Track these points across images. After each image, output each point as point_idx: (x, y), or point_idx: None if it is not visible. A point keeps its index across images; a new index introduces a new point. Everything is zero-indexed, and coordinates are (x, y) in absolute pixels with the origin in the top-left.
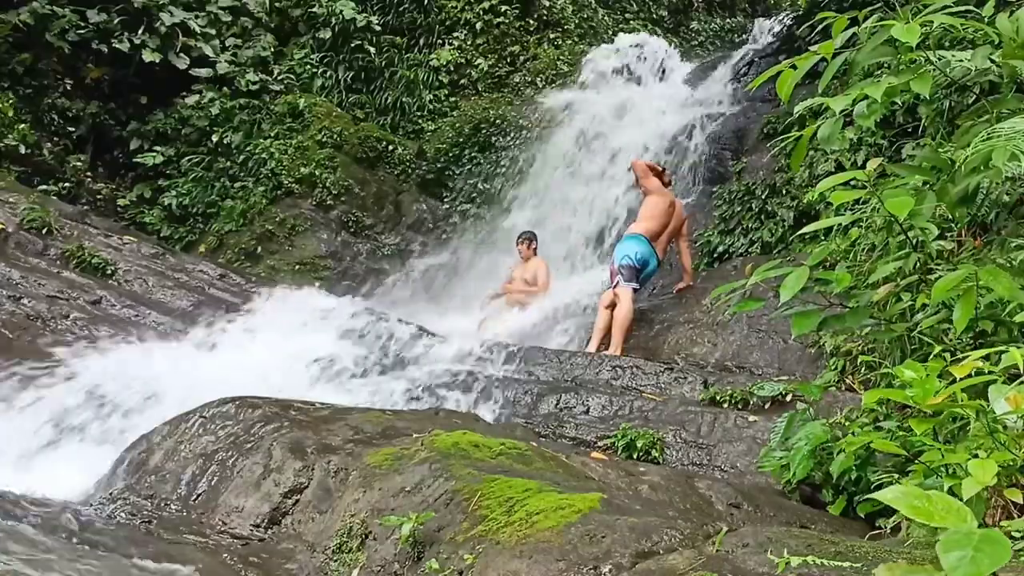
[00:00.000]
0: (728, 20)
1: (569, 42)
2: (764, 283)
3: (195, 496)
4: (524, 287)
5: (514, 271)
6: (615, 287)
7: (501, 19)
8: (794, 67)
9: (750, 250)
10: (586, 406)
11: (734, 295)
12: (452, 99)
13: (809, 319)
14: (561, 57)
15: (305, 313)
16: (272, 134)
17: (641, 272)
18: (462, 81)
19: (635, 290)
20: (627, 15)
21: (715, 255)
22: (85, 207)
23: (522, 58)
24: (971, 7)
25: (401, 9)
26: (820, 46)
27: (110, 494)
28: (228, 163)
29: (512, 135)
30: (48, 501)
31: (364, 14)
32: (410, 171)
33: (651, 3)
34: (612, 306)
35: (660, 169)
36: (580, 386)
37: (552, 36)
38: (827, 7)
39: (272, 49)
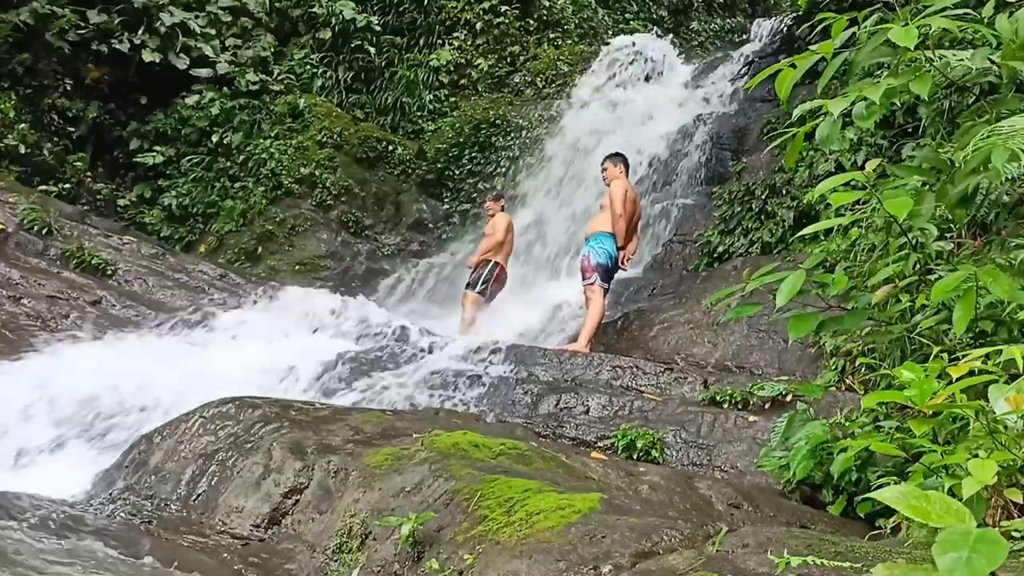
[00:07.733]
0: (728, 20)
1: (569, 42)
2: (763, 285)
3: (195, 496)
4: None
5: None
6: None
7: (501, 19)
8: (793, 66)
9: (750, 250)
10: (586, 406)
11: (731, 300)
12: (452, 99)
13: (806, 322)
14: (561, 57)
15: (307, 313)
16: (272, 134)
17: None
18: (462, 81)
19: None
20: (627, 15)
21: (715, 255)
22: (85, 207)
23: (522, 58)
24: (970, 8)
25: (401, 9)
26: (820, 46)
27: (110, 494)
28: (228, 163)
29: (512, 135)
30: (49, 501)
31: (364, 14)
32: (410, 171)
33: (651, 3)
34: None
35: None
36: (580, 386)
37: (552, 36)
38: (827, 7)
39: (272, 49)
